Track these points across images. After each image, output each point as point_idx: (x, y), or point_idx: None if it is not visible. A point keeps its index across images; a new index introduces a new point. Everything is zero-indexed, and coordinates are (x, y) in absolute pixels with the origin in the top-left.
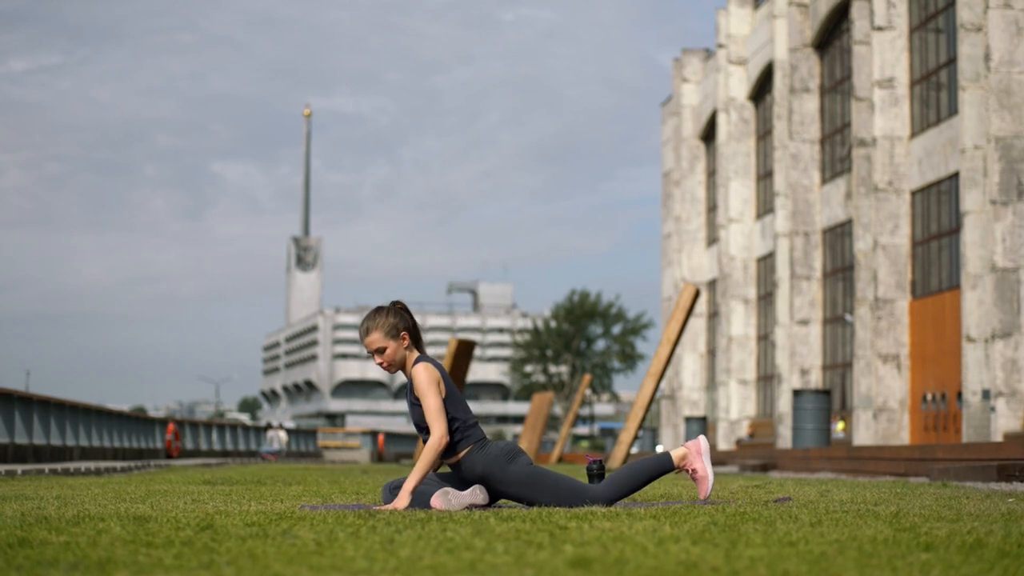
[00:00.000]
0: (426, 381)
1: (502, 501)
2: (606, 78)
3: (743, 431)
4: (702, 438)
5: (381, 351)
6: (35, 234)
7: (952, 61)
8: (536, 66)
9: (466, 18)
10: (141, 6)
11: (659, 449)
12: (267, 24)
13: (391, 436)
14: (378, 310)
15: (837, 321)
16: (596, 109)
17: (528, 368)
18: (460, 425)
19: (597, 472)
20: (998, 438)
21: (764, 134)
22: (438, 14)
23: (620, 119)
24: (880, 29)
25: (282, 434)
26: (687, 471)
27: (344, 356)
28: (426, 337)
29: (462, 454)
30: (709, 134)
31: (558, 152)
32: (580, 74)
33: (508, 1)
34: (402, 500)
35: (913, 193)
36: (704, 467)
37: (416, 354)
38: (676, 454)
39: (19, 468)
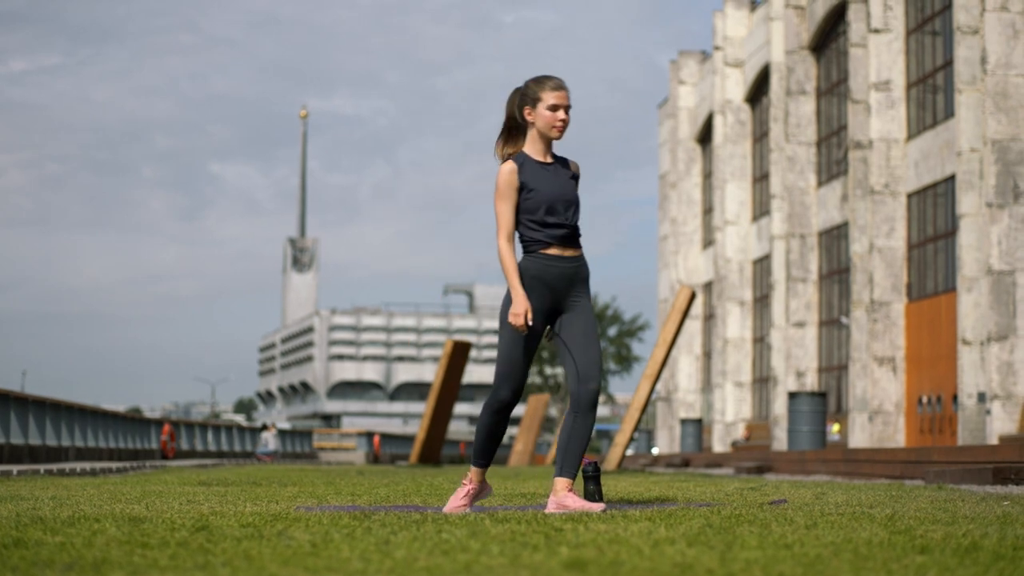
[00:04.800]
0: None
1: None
2: (606, 80)
3: (739, 433)
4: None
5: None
6: (35, 234)
7: (949, 64)
8: (536, 68)
9: (466, 19)
10: (141, 6)
11: (655, 452)
12: (267, 24)
13: (387, 437)
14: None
15: (833, 323)
16: (596, 111)
17: None
18: (562, 222)
19: (592, 474)
20: (993, 441)
21: (760, 136)
22: (439, 15)
23: (619, 121)
24: (877, 32)
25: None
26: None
27: (340, 357)
28: (422, 338)
29: (581, 250)
30: (705, 136)
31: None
32: (580, 76)
33: (508, 3)
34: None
35: (909, 196)
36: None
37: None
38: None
39: (15, 468)
